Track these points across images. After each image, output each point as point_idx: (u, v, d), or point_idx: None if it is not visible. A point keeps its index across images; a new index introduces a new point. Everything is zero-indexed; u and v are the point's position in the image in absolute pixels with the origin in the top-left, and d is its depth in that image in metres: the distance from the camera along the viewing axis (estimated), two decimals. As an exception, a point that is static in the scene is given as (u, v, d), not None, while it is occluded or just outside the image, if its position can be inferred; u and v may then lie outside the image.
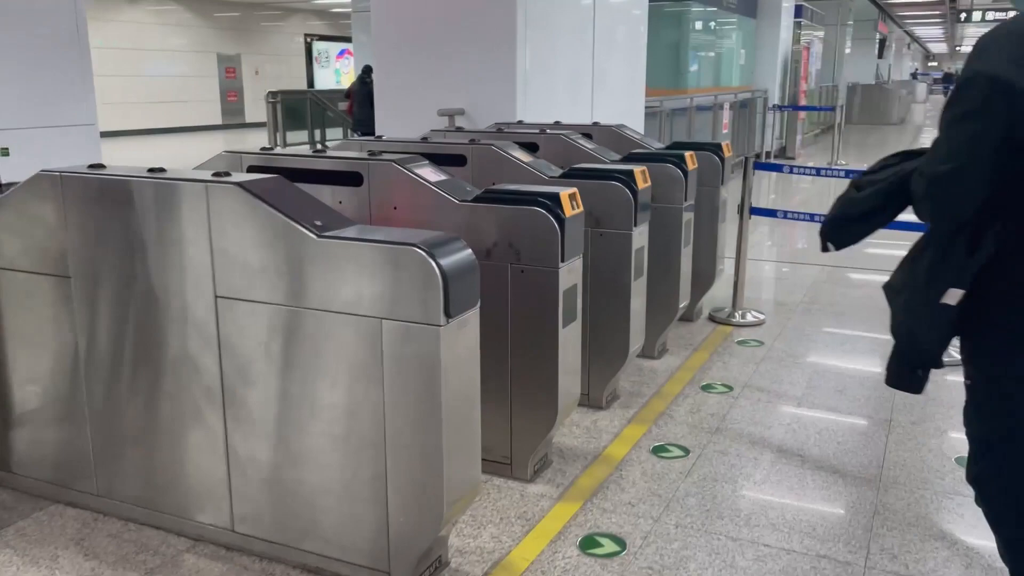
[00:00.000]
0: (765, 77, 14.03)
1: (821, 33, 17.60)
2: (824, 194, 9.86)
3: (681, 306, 4.44)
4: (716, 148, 4.84)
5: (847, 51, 21.61)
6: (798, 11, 14.75)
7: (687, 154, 4.34)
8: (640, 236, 3.65)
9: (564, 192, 2.90)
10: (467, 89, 5.86)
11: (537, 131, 4.61)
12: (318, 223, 2.34)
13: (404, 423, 2.27)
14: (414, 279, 2.19)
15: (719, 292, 5.31)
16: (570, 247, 2.92)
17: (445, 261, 2.18)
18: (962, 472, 3.19)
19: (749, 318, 5.09)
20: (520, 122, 5.36)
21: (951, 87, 1.79)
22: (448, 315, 2.19)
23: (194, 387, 2.57)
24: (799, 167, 4.99)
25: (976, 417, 1.95)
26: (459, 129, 5.66)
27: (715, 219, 4.90)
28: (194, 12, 22.54)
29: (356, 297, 2.27)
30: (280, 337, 2.40)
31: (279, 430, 2.46)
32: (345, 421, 2.35)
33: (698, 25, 11.80)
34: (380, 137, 4.12)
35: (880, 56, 26.70)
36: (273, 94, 13.90)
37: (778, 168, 5.11)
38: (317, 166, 3.15)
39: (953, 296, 1.75)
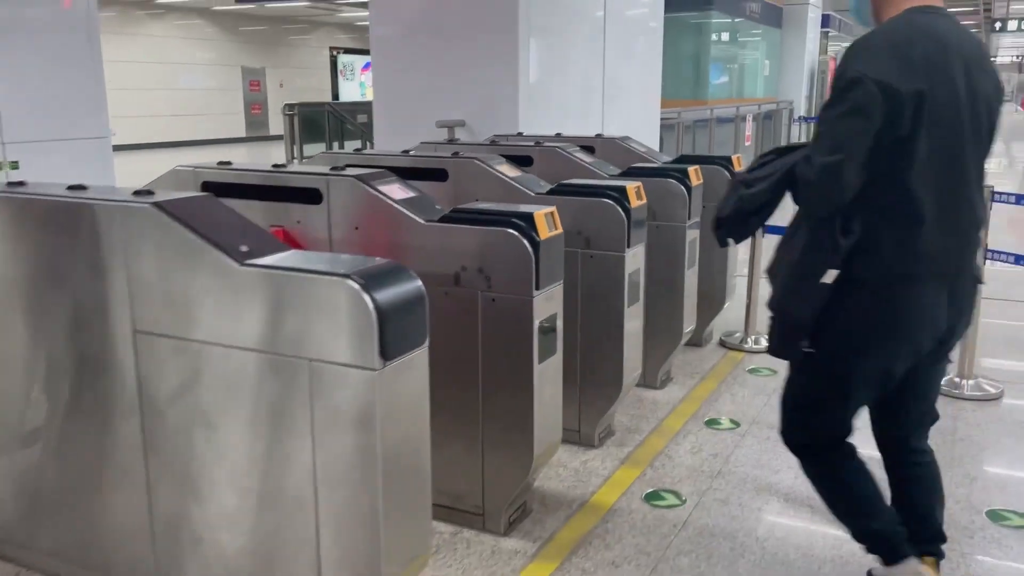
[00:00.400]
0: (790, 88, 13.64)
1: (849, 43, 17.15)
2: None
3: (686, 331, 4.10)
4: (726, 162, 4.51)
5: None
6: (825, 21, 14.35)
7: (691, 168, 4.03)
8: (634, 258, 3.33)
9: (540, 211, 2.59)
10: (468, 100, 5.59)
11: (532, 144, 4.31)
12: (243, 248, 2.05)
13: (337, 481, 1.97)
14: (344, 316, 1.89)
15: (732, 314, 4.96)
16: (547, 273, 2.61)
17: (383, 295, 1.88)
18: (995, 528, 2.83)
19: (763, 343, 4.73)
20: (520, 134, 5.07)
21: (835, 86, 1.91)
22: (385, 357, 1.89)
23: (114, 433, 2.29)
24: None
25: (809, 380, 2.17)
26: (453, 141, 5.38)
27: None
28: (219, 26, 22.60)
29: (280, 335, 1.98)
30: (202, 379, 2.12)
31: (201, 484, 2.16)
32: (271, 477, 2.05)
33: (720, 35, 11.46)
34: (360, 150, 3.86)
35: (913, 67, 26.04)
36: (290, 106, 13.73)
37: (793, 183, 4.76)
38: (274, 182, 2.88)
39: (829, 276, 1.93)
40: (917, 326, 2.00)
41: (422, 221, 2.68)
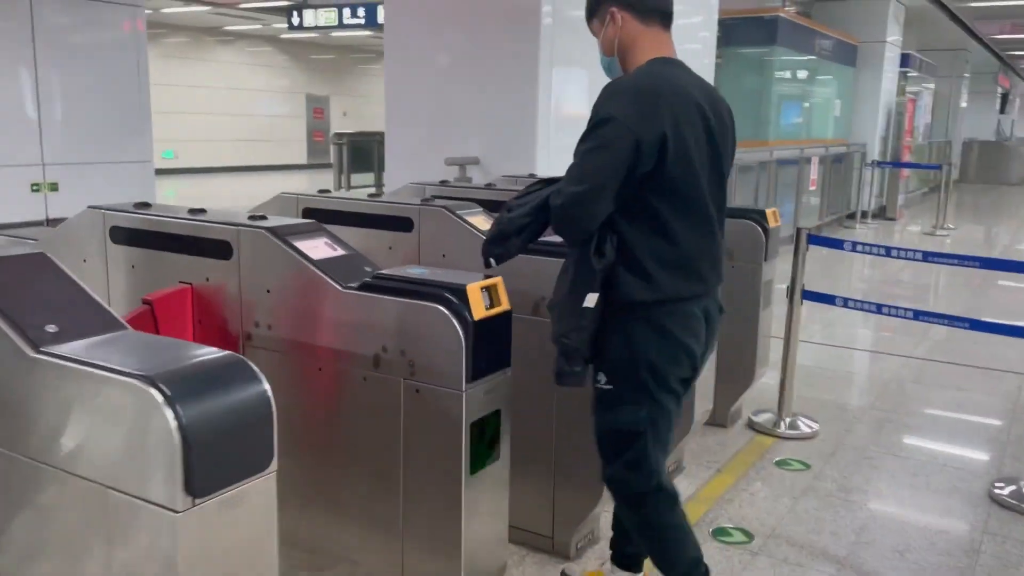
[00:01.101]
0: (864, 130, 12.81)
1: (932, 85, 16.20)
2: (900, 279, 8.62)
3: (704, 410, 3.50)
4: (758, 216, 3.91)
5: (963, 105, 19.97)
6: (904, 60, 13.49)
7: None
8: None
9: (475, 284, 2.06)
10: (482, 136, 5.12)
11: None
12: (51, 328, 1.58)
13: (134, 650, 1.46)
14: (138, 434, 1.39)
15: (768, 388, 4.32)
16: (485, 361, 2.07)
17: (196, 409, 1.38)
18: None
19: (800, 427, 4.07)
20: (531, 175, 4.55)
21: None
22: (194, 495, 1.38)
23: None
24: (864, 245, 3.99)
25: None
26: (448, 181, 4.90)
27: (756, 303, 3.95)
28: (288, 54, 22.82)
29: (78, 449, 1.49)
30: (4, 499, 1.64)
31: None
32: (57, 636, 1.55)
33: (785, 72, 10.78)
34: (327, 191, 3.40)
35: (1003, 111, 24.69)
36: (339, 135, 13.58)
37: (836, 244, 4.11)
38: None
39: (591, 300, 2.04)
40: (690, 348, 2.12)
41: (340, 288, 2.18)
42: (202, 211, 2.54)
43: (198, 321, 2.46)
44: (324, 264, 2.23)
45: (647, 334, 2.06)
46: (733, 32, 9.73)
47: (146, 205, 2.66)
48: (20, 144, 9.92)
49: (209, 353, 1.51)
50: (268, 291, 2.30)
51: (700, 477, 3.54)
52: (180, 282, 2.46)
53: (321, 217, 3.09)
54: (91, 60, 10.82)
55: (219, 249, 2.37)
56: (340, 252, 2.33)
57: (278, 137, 22.44)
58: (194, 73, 20.43)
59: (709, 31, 6.88)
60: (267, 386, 1.50)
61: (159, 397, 1.35)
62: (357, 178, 13.69)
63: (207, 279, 2.42)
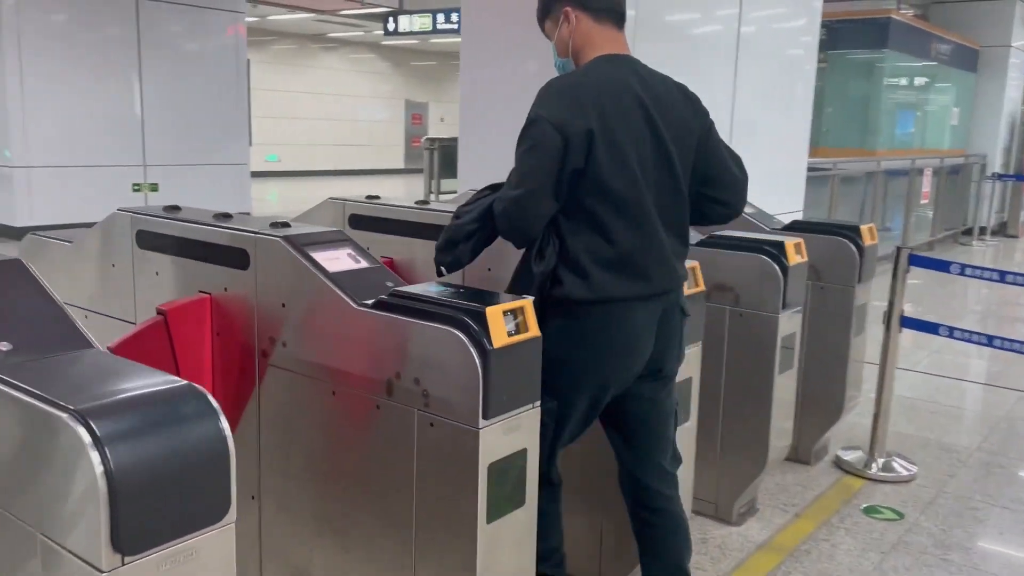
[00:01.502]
0: (984, 140, 11.91)
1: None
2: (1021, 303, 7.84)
3: (781, 445, 3.15)
4: (852, 232, 3.52)
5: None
6: (1032, 65, 12.50)
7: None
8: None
9: (495, 308, 1.80)
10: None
11: None
12: (2, 346, 1.42)
13: None
14: (66, 477, 1.20)
15: (860, 423, 3.91)
16: (505, 394, 1.82)
17: (127, 452, 1.18)
18: None
19: (895, 469, 3.64)
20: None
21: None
22: (122, 551, 1.18)
23: None
24: (973, 268, 3.52)
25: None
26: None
27: (847, 328, 3.56)
28: (389, 61, 23.13)
29: (10, 484, 1.31)
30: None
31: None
32: None
33: (897, 78, 10.09)
34: (375, 197, 3.23)
35: None
36: (431, 140, 13.55)
37: (941, 267, 3.65)
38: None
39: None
40: (627, 349, 2.08)
41: (353, 304, 1.97)
42: (227, 216, 2.39)
43: (216, 333, 2.30)
44: (340, 277, 2.03)
45: (570, 332, 2.04)
46: (840, 35, 9.17)
47: (175, 208, 2.53)
48: (124, 145, 10.30)
49: (164, 383, 1.32)
50: (283, 305, 2.12)
51: (774, 522, 3.18)
52: (199, 291, 2.31)
53: (367, 224, 2.96)
54: (193, 65, 11.17)
55: (236, 258, 2.20)
56: (362, 264, 2.13)
57: (377, 142, 22.75)
58: (299, 79, 20.93)
59: (812, 35, 6.44)
60: (225, 425, 1.30)
61: (86, 437, 1.16)
62: (447, 183, 13.63)
63: (225, 289, 2.26)
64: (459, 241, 2.09)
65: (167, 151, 10.46)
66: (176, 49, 10.62)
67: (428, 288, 1.96)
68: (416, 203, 2.95)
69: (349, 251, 2.17)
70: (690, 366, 2.49)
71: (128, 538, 1.18)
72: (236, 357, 2.26)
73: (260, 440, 2.25)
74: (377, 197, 3.11)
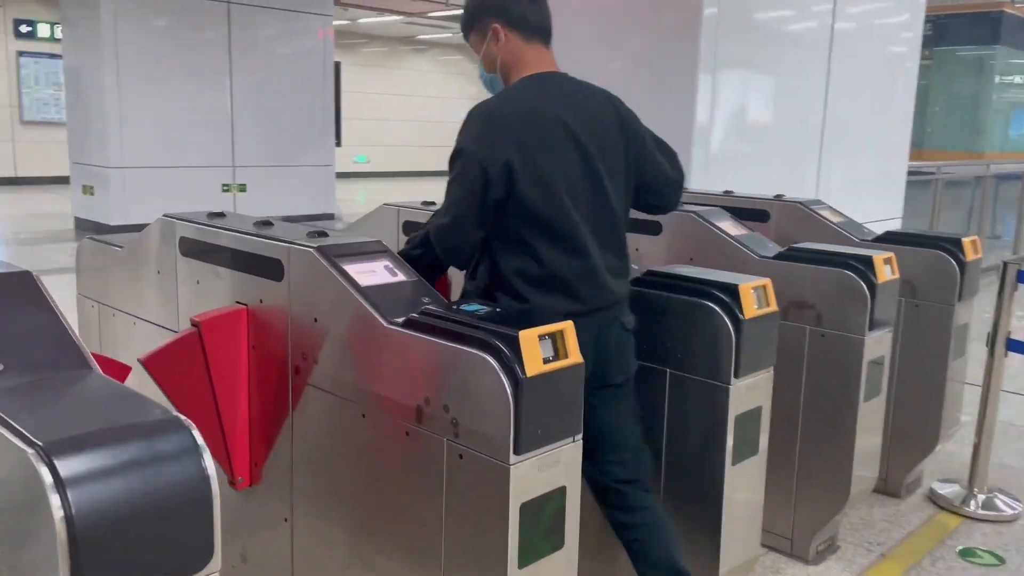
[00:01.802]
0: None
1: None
2: None
3: (868, 478, 2.87)
4: (952, 245, 3.20)
5: None
6: None
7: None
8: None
9: (531, 332, 1.63)
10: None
11: (771, 197, 3.60)
12: (-8, 368, 1.33)
13: None
14: (26, 519, 1.10)
15: (958, 454, 3.57)
16: (540, 429, 1.64)
17: (92, 497, 1.07)
18: None
19: (997, 506, 3.30)
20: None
21: None
22: (83, 605, 1.07)
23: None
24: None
25: None
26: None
27: (945, 351, 3.24)
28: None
29: (-14, 520, 1.22)
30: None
31: None
32: None
33: (1010, 76, 9.42)
34: (431, 203, 3.17)
35: None
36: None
37: (1055, 286, 3.29)
38: None
39: None
40: None
41: (383, 322, 1.83)
42: (268, 224, 2.29)
43: (252, 347, 2.20)
44: (373, 292, 1.90)
45: None
46: (947, 30, 8.62)
47: (219, 215, 2.45)
48: (214, 147, 10.55)
49: (145, 415, 1.20)
50: (315, 319, 2.00)
51: (857, 562, 2.90)
52: (236, 302, 2.22)
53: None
54: (282, 67, 11.37)
55: (271, 268, 2.10)
56: (399, 278, 1.99)
57: (462, 143, 22.79)
58: (388, 81, 21.18)
59: (915, 31, 6.03)
60: (209, 465, 1.17)
61: (47, 477, 1.05)
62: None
63: (260, 300, 2.16)
64: (413, 263, 2.12)
65: (255, 152, 10.67)
66: (266, 52, 10.82)
67: (463, 306, 1.81)
68: None
69: (386, 263, 2.03)
70: (759, 394, 2.27)
71: (91, 593, 1.06)
72: (272, 373, 2.16)
73: (292, 460, 2.14)
74: (433, 203, 2.99)
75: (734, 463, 2.21)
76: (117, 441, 1.13)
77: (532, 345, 1.61)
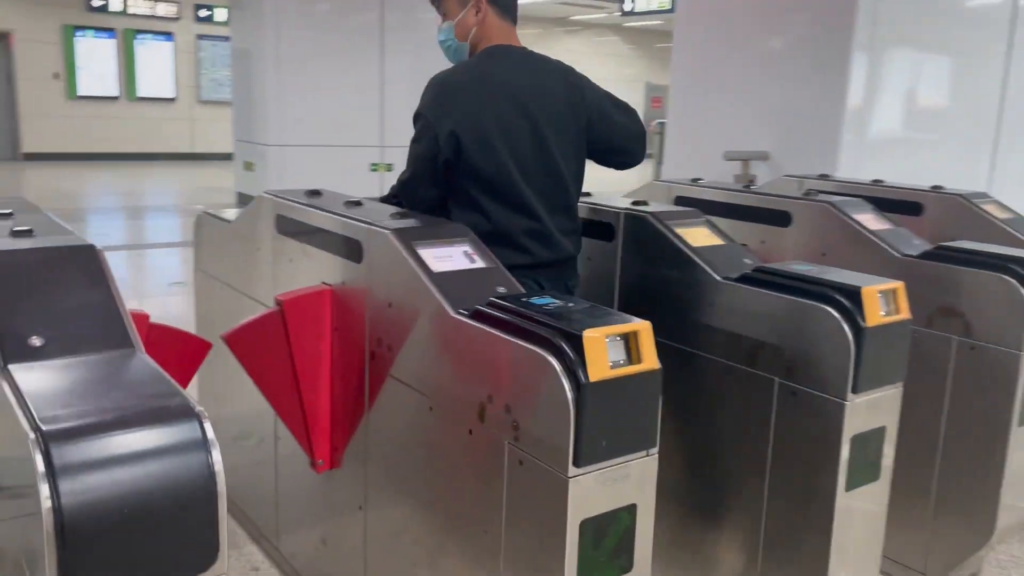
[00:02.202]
0: None
1: None
2: None
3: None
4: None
5: None
6: None
7: None
8: None
9: (597, 331, 1.46)
10: (774, 129, 4.33)
11: (926, 188, 3.23)
12: (35, 341, 1.31)
13: None
14: (23, 509, 1.06)
15: None
16: (603, 441, 1.48)
17: (84, 489, 1.02)
18: None
19: None
20: (823, 176, 3.69)
21: None
22: (74, 596, 1.02)
23: None
24: None
25: None
26: (749, 181, 4.19)
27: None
28: (632, 44, 22.74)
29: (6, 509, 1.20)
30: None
31: None
32: None
33: None
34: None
35: None
36: (662, 124, 13.04)
37: None
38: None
39: None
40: None
41: (450, 312, 1.71)
42: (357, 204, 2.23)
43: (335, 329, 2.15)
44: (444, 279, 1.79)
45: None
46: None
47: (316, 194, 2.42)
48: (364, 127, 10.81)
49: (163, 404, 1.14)
50: (390, 305, 1.92)
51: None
52: (323, 283, 2.18)
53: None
54: (431, 50, 11.36)
55: (351, 250, 2.03)
56: (476, 265, 1.87)
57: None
58: (539, 63, 21.13)
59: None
60: (216, 460, 1.09)
61: (40, 466, 1.01)
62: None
63: (343, 282, 2.10)
64: None
65: (403, 133, 10.80)
66: (417, 34, 10.97)
67: (535, 299, 1.66)
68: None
69: (467, 248, 1.92)
70: (882, 413, 1.99)
71: (78, 590, 1.01)
72: (352, 357, 2.11)
73: (367, 448, 2.08)
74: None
75: (848, 489, 1.95)
76: (120, 431, 1.08)
77: (598, 347, 1.44)
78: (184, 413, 1.12)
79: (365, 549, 2.13)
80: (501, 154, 2.18)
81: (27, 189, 12.37)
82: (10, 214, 1.80)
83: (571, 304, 1.63)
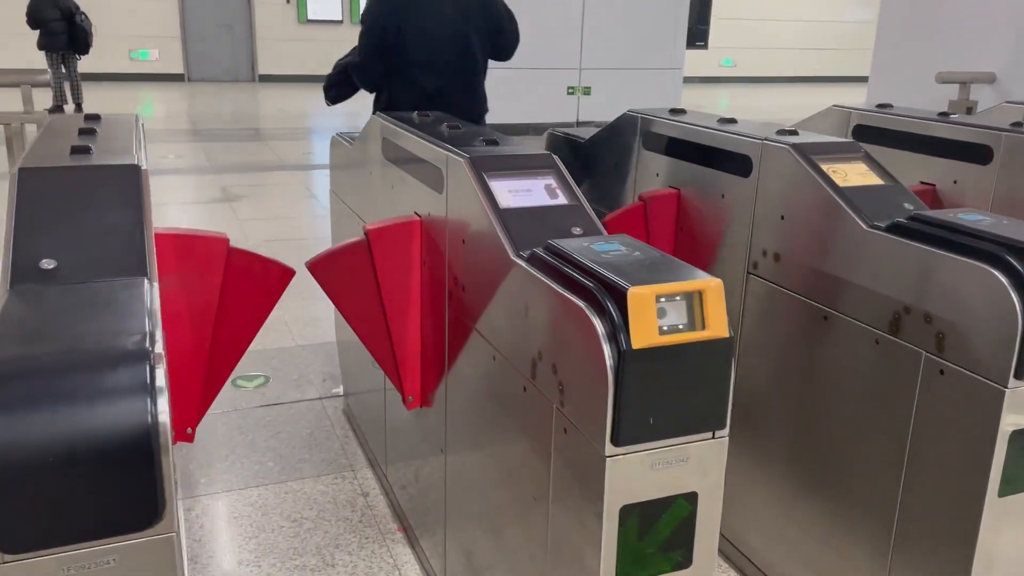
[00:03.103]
0: None
1: None
2: None
3: None
4: None
5: None
6: None
7: None
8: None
9: (645, 289, 1.20)
10: (1004, 47, 3.63)
11: None
12: (46, 264, 1.27)
13: None
14: None
15: None
16: (643, 418, 1.24)
17: (12, 436, 0.94)
18: None
19: None
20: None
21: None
22: (2, 548, 0.96)
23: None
24: None
25: None
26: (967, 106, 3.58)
27: None
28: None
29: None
30: None
31: None
32: None
33: None
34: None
35: None
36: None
37: None
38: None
39: None
40: None
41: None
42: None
43: (423, 263, 2.02)
44: (512, 216, 1.58)
45: None
46: None
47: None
48: (561, 49, 10.53)
49: (116, 343, 1.05)
50: (463, 241, 1.74)
51: None
52: (415, 213, 2.04)
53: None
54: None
55: (435, 179, 1.87)
56: (556, 200, 1.65)
57: (847, 46, 20.51)
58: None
59: None
60: (161, 411, 0.99)
61: (-29, 401, 0.94)
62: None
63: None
64: (333, 84, 3.29)
65: (601, 55, 10.47)
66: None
67: (595, 244, 1.42)
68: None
69: (549, 181, 1.70)
70: None
71: (4, 532, 0.95)
72: (439, 294, 1.97)
73: (447, 391, 1.95)
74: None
75: (1002, 495, 1.57)
76: (62, 371, 1.00)
77: (645, 308, 1.19)
78: (136, 356, 1.02)
79: (445, 494, 2.02)
80: (431, 43, 3.05)
81: (256, 108, 13.31)
82: (93, 131, 1.79)
83: (637, 253, 1.37)
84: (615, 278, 1.24)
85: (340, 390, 3.30)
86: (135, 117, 2.12)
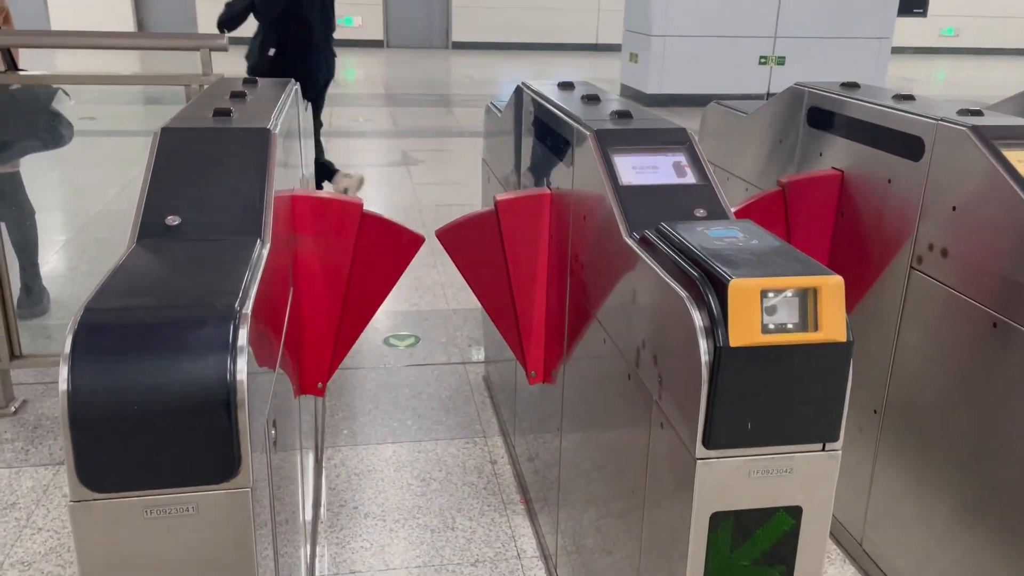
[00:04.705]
0: None
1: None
2: None
3: None
4: None
5: None
6: None
7: None
8: None
9: (746, 282, 1.09)
10: None
11: None
12: (171, 220, 1.34)
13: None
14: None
15: None
16: (739, 422, 1.13)
17: (90, 370, 1.00)
18: None
19: None
20: None
21: None
22: (89, 486, 1.03)
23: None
24: None
25: None
26: None
27: None
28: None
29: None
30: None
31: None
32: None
33: None
34: None
35: None
36: None
37: None
38: None
39: (271, 52, 4.53)
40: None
41: (623, 234, 1.43)
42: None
43: (551, 236, 1.97)
44: (632, 194, 1.49)
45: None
46: None
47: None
48: (753, 16, 10.01)
49: (211, 303, 1.08)
50: (584, 218, 1.68)
51: None
52: (547, 185, 2.00)
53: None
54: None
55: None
56: (684, 179, 1.54)
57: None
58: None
59: None
60: (240, 368, 1.02)
61: (66, 347, 1.01)
62: None
63: (558, 187, 1.89)
64: (236, 15, 4.58)
65: (801, 22, 9.85)
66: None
67: (711, 230, 1.31)
68: None
69: (679, 159, 1.60)
70: None
71: (93, 472, 1.01)
72: (563, 269, 1.92)
73: (565, 370, 1.90)
74: None
75: None
76: (150, 323, 1.04)
77: (748, 302, 1.09)
78: (223, 316, 1.05)
79: (559, 472, 1.99)
80: (304, 7, 4.48)
81: (445, 75, 13.67)
82: (243, 95, 1.88)
83: (755, 241, 1.25)
84: (720, 268, 1.14)
85: (482, 356, 3.34)
86: (291, 82, 2.20)
